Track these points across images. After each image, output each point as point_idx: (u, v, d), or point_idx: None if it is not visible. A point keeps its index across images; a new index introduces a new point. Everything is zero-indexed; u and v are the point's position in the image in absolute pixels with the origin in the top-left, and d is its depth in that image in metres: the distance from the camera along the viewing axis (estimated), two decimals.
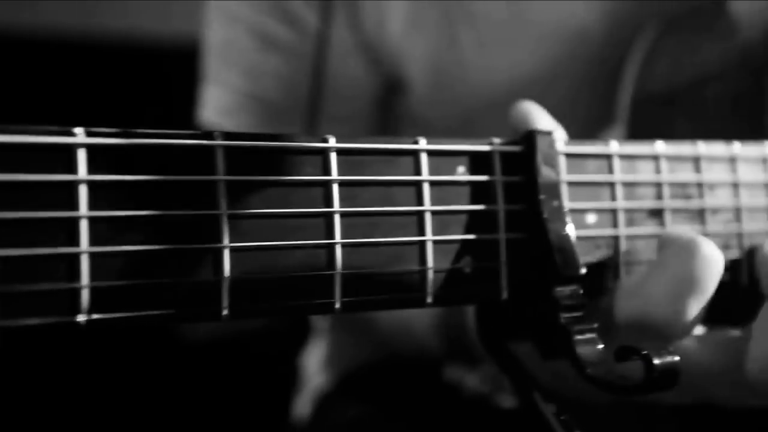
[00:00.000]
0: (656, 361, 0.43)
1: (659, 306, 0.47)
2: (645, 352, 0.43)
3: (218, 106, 0.85)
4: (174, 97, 1.01)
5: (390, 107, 0.84)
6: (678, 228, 0.52)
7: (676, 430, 0.72)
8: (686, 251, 0.49)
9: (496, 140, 0.47)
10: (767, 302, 0.51)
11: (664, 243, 0.51)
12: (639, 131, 0.71)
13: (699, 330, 0.54)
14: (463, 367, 0.66)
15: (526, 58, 0.79)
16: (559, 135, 0.51)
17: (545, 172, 0.47)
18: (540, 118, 0.51)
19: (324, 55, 0.79)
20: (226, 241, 0.39)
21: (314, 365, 1.05)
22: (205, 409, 1.52)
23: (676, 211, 0.54)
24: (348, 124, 0.84)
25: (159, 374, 1.54)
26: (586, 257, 0.50)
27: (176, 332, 1.53)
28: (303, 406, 1.02)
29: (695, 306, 0.48)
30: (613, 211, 0.52)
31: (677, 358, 0.43)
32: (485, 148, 0.47)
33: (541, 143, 0.48)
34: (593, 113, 0.78)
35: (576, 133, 0.79)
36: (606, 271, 0.51)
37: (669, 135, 0.58)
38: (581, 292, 0.47)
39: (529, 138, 0.48)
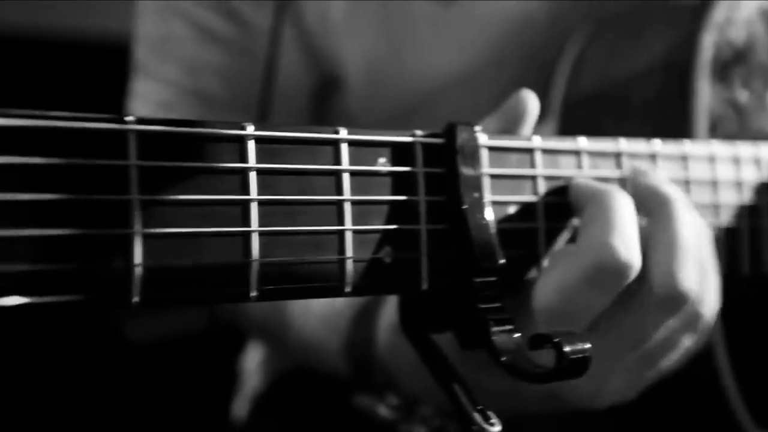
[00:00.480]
0: (567, 349, 0.43)
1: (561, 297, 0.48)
2: (556, 339, 0.43)
3: (156, 100, 0.83)
4: (104, 92, 0.99)
5: (327, 105, 0.84)
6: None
7: (613, 426, 0.73)
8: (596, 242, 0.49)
9: (419, 132, 0.47)
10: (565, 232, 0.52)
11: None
12: (569, 129, 0.72)
13: None
14: (372, 396, 0.66)
15: (465, 52, 0.79)
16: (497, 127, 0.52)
17: (466, 164, 0.48)
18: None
19: (270, 51, 0.78)
20: (137, 227, 0.38)
21: (252, 367, 1.04)
22: (148, 409, 1.50)
23: None
24: (290, 122, 0.83)
25: (101, 374, 1.52)
26: (507, 249, 0.51)
27: (121, 332, 1.50)
28: (241, 407, 1.01)
29: (598, 296, 0.49)
30: (535, 205, 0.52)
31: (588, 345, 0.44)
32: (407, 139, 0.47)
33: (462, 136, 0.48)
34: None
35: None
36: (527, 262, 0.52)
37: (598, 134, 0.59)
38: (499, 282, 0.47)
39: (450, 131, 0.48)
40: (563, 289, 0.48)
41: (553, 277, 0.49)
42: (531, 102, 0.53)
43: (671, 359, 0.55)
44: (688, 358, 0.56)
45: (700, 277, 0.52)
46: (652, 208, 0.52)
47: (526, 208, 0.51)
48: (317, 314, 0.69)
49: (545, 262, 0.51)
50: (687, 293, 0.50)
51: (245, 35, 0.80)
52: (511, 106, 0.53)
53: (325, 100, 0.83)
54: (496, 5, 0.78)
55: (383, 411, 0.65)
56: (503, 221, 0.50)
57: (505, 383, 0.48)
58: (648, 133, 0.60)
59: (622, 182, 0.55)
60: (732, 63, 0.66)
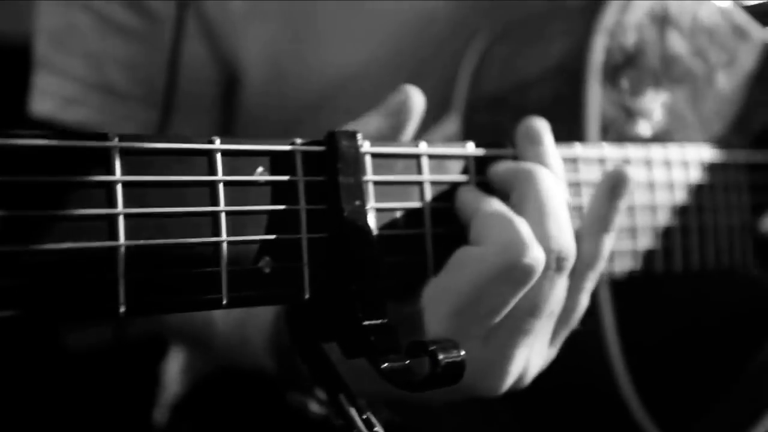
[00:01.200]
0: (441, 357, 0.43)
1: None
2: (431, 347, 0.43)
3: (61, 95, 0.80)
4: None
5: (231, 100, 0.82)
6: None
7: (510, 419, 0.73)
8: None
9: (299, 140, 0.47)
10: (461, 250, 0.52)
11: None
12: (473, 130, 0.72)
13: None
14: (302, 392, 0.65)
15: (367, 46, 0.78)
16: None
17: (348, 172, 0.47)
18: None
19: (174, 43, 0.76)
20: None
21: (172, 373, 1.02)
22: (73, 418, 1.46)
23: None
24: (197, 116, 0.81)
25: (32, 382, 1.48)
26: (394, 255, 0.50)
27: (60, 340, 1.47)
28: (161, 414, 0.99)
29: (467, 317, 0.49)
30: (421, 211, 0.52)
31: (463, 353, 0.44)
32: (287, 148, 0.46)
33: (343, 144, 0.47)
34: (436, 99, 0.78)
35: (432, 115, 0.79)
36: (415, 268, 0.51)
37: (499, 136, 0.59)
38: (382, 289, 0.47)
39: (331, 139, 0.47)
40: (469, 291, 0.48)
41: (461, 278, 0.49)
42: (415, 98, 0.53)
43: (575, 318, 0.56)
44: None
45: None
46: (517, 182, 0.53)
47: (412, 214, 0.51)
48: (239, 311, 0.68)
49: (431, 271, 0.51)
50: (567, 252, 0.51)
51: (149, 26, 0.78)
52: (395, 102, 0.53)
53: (232, 94, 0.81)
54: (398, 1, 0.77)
55: (314, 407, 0.64)
56: (389, 228, 0.50)
57: (385, 389, 0.48)
58: None
59: None
60: (623, 67, 0.67)
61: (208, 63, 0.80)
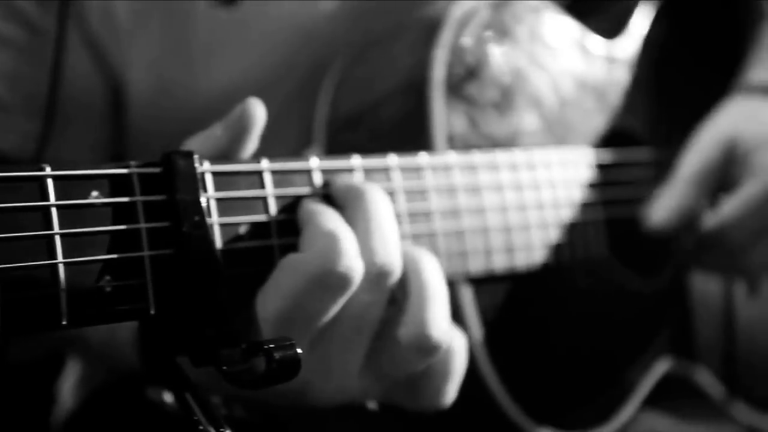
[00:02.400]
0: (275, 355, 0.45)
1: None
2: (267, 346, 0.45)
3: None
4: None
5: (117, 112, 0.81)
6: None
7: (393, 420, 0.76)
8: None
9: (134, 163, 0.48)
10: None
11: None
12: (334, 150, 0.74)
13: None
14: (161, 388, 0.66)
15: (251, 59, 0.79)
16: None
17: (186, 190, 0.48)
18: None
19: (55, 54, 0.75)
20: None
21: (67, 389, 1.01)
22: None
23: None
24: (83, 129, 0.80)
25: None
26: (241, 266, 0.52)
27: None
28: (56, 430, 0.98)
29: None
30: (267, 224, 0.54)
31: (299, 350, 0.46)
32: (123, 171, 0.47)
33: (180, 164, 0.49)
34: (305, 124, 0.80)
35: (302, 133, 0.80)
36: (263, 278, 0.53)
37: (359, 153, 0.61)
38: (225, 300, 0.48)
39: (167, 160, 0.48)
40: (290, 295, 0.50)
41: (281, 284, 0.50)
42: (255, 110, 0.54)
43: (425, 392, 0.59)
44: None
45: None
46: (406, 263, 0.55)
47: (260, 227, 0.53)
48: None
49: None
50: (440, 341, 0.53)
51: (31, 38, 0.77)
52: (235, 113, 0.54)
53: (118, 106, 0.80)
54: (280, 14, 0.78)
55: (171, 400, 0.65)
56: (234, 242, 0.51)
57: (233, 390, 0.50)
58: (398, 151, 0.63)
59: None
60: (465, 79, 0.70)
61: (92, 75, 0.79)
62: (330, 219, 0.52)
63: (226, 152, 0.54)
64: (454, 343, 0.57)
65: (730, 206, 0.79)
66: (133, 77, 0.78)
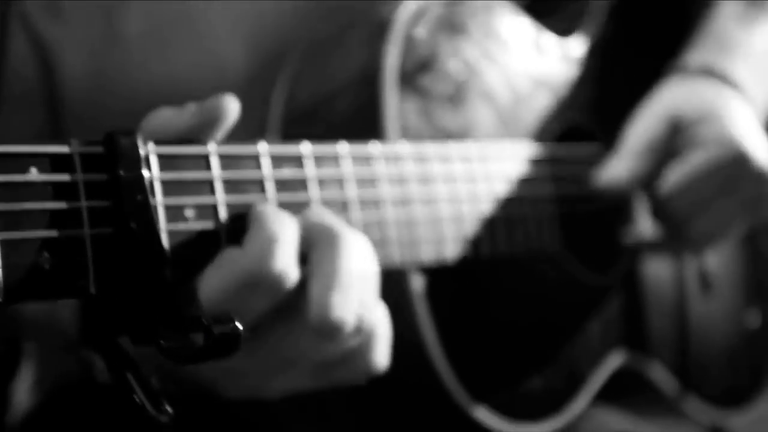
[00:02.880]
0: (216, 330, 0.44)
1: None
2: (206, 321, 0.45)
3: None
4: None
5: (53, 97, 0.80)
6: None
7: (354, 421, 0.75)
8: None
9: (75, 141, 0.47)
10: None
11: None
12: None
13: None
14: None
15: (198, 53, 0.78)
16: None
17: (128, 169, 0.48)
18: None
19: (1, 42, 0.74)
20: None
21: (23, 389, 1.00)
22: None
23: (282, 204, 0.57)
24: (25, 123, 0.78)
25: None
26: (185, 249, 0.51)
27: None
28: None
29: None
30: (213, 207, 0.53)
31: (239, 326, 0.45)
32: (64, 149, 0.47)
33: (123, 144, 0.48)
34: (256, 120, 0.79)
35: (255, 129, 0.80)
36: (207, 261, 0.52)
37: None
38: (168, 280, 0.48)
39: (109, 139, 0.48)
40: (225, 288, 0.50)
41: (216, 276, 0.50)
42: (230, 104, 0.53)
43: (344, 375, 0.58)
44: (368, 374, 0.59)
45: (362, 310, 0.54)
46: (318, 240, 0.54)
47: (203, 210, 0.52)
48: None
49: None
50: (341, 324, 0.52)
51: None
52: (213, 105, 0.53)
53: (54, 91, 0.78)
54: (225, 8, 0.77)
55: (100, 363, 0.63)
56: (178, 223, 0.51)
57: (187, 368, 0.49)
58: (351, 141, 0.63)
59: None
60: (418, 71, 0.71)
61: (30, 61, 0.78)
62: (278, 222, 0.52)
63: (188, 137, 0.54)
64: (373, 317, 0.56)
65: (674, 174, 0.81)
66: (68, 60, 0.77)
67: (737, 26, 0.94)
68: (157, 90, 0.77)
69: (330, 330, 0.51)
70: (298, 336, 0.53)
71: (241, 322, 0.48)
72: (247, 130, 0.79)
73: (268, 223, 0.51)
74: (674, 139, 0.83)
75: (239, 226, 0.53)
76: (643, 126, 0.83)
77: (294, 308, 0.52)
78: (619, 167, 0.82)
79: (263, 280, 0.50)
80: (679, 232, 0.83)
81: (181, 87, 0.78)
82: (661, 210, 0.82)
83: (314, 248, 0.53)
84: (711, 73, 0.87)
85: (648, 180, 0.83)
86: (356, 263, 0.53)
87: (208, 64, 0.79)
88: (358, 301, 0.53)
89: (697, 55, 0.89)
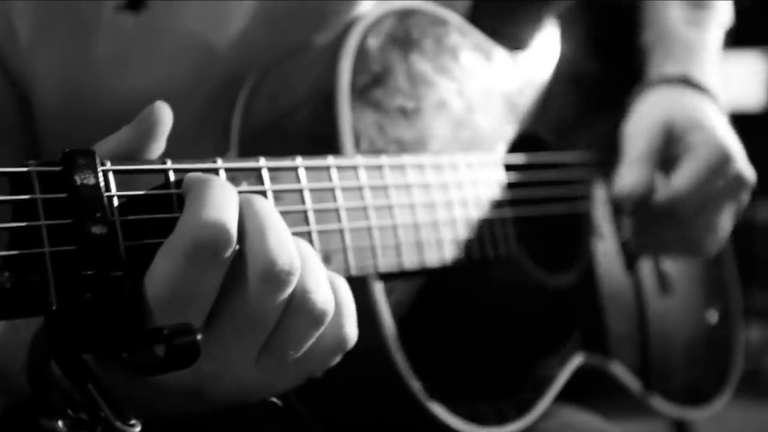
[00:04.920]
0: (175, 340, 0.45)
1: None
2: (166, 332, 0.46)
3: None
4: None
5: (30, 123, 0.81)
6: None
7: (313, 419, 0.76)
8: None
9: (32, 162, 0.48)
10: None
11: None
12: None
13: None
14: (51, 417, 0.65)
15: (161, 72, 0.79)
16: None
17: (86, 187, 0.49)
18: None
19: None
20: None
21: None
22: None
23: None
24: (7, 156, 0.79)
25: None
26: (146, 263, 0.52)
27: None
28: None
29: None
30: (172, 221, 0.54)
31: (198, 336, 0.46)
32: (22, 169, 0.48)
33: (80, 162, 0.49)
34: (222, 133, 0.80)
35: (220, 145, 0.81)
36: None
37: None
38: (124, 291, 0.49)
39: (67, 158, 0.49)
40: (170, 278, 0.49)
41: (157, 268, 0.49)
42: (163, 113, 0.54)
43: (310, 359, 0.55)
44: (333, 354, 0.57)
45: (300, 261, 0.52)
46: (243, 202, 0.53)
47: (162, 225, 0.53)
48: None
49: None
50: (283, 265, 0.50)
51: None
52: (143, 116, 0.54)
53: (30, 117, 0.80)
54: (187, 27, 0.78)
55: (63, 428, 0.64)
56: (138, 239, 0.52)
57: (147, 386, 0.50)
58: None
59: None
60: (371, 86, 0.73)
61: (2, 89, 0.79)
62: (205, 186, 0.51)
63: (133, 153, 0.55)
64: (336, 284, 0.56)
65: (679, 181, 0.88)
66: (41, 88, 0.78)
67: (693, 31, 1.00)
68: (128, 109, 0.78)
69: (275, 274, 0.50)
70: (247, 296, 0.51)
71: (200, 308, 0.48)
72: (213, 148, 0.81)
73: (197, 192, 0.51)
74: (669, 147, 0.91)
75: None
76: (644, 137, 0.91)
77: (240, 272, 0.51)
78: (632, 175, 0.89)
79: (203, 248, 0.48)
80: (681, 230, 0.90)
81: (155, 99, 0.79)
82: (666, 212, 0.89)
83: (243, 210, 0.52)
84: (688, 82, 0.95)
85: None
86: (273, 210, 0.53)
87: (173, 82, 0.80)
88: (293, 244, 0.52)
89: (672, 65, 0.96)
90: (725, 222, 0.92)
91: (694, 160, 0.88)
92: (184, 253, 0.49)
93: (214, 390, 0.53)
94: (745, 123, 1.03)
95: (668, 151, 0.90)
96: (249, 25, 0.80)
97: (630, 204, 0.90)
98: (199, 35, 0.79)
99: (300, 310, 0.52)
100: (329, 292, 0.53)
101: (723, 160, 0.88)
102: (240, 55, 0.81)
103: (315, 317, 0.53)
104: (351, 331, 0.56)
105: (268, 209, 0.52)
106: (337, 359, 0.57)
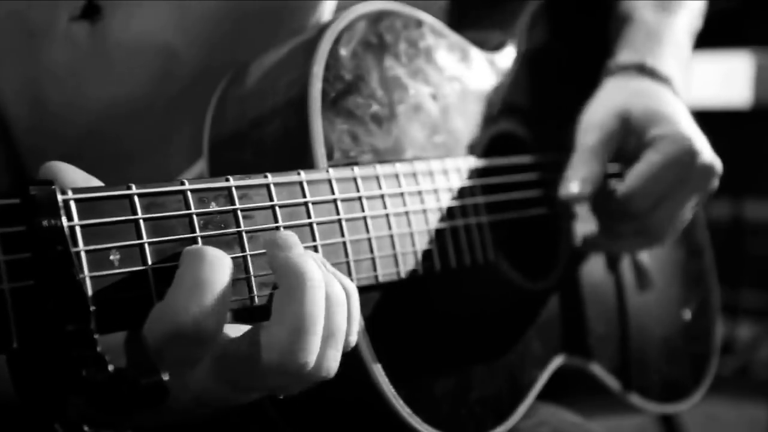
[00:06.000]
0: (142, 381, 0.44)
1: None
2: (131, 373, 0.44)
3: None
4: None
5: (4, 138, 0.79)
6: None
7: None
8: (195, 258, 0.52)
9: None
10: (277, 293, 0.55)
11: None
12: (217, 170, 0.73)
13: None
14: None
15: (123, 78, 0.77)
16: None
17: (46, 219, 0.47)
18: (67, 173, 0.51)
19: None
20: None
21: None
22: None
23: (210, 238, 0.56)
24: None
25: None
26: (121, 293, 0.51)
27: None
28: None
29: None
30: (140, 248, 0.53)
31: (165, 377, 0.45)
32: None
33: (39, 194, 0.47)
34: (194, 137, 0.79)
35: (193, 150, 0.79)
36: (143, 302, 0.52)
37: (242, 172, 0.60)
38: (91, 328, 0.47)
39: (23, 191, 0.47)
40: (158, 347, 0.50)
41: (148, 332, 0.50)
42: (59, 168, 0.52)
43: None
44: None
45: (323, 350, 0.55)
46: (283, 281, 0.54)
47: (130, 253, 0.52)
48: None
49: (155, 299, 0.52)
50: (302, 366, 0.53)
51: None
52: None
53: (6, 129, 0.79)
54: (144, 33, 0.77)
55: None
56: (105, 268, 0.50)
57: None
58: (282, 167, 0.62)
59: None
60: (344, 94, 0.71)
61: None
62: (202, 268, 0.51)
63: None
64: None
65: (636, 175, 0.85)
66: (9, 101, 0.77)
67: (659, 18, 0.97)
68: (99, 114, 0.77)
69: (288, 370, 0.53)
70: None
71: (182, 372, 0.48)
72: (186, 153, 0.79)
73: (190, 269, 0.51)
74: (626, 137, 0.87)
75: (168, 267, 0.53)
76: (599, 127, 0.88)
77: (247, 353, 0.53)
78: (582, 173, 0.86)
79: (187, 332, 0.49)
80: (639, 224, 0.87)
81: (120, 110, 0.77)
82: (622, 207, 0.86)
83: (279, 287, 0.54)
84: (643, 70, 0.91)
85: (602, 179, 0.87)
86: (317, 306, 0.54)
87: (136, 90, 0.78)
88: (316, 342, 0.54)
89: (630, 53, 0.93)
90: (687, 213, 0.90)
91: (655, 153, 0.85)
92: (167, 331, 0.50)
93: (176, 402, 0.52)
94: (732, 121, 1.02)
95: (626, 142, 0.87)
96: (211, 25, 0.78)
97: (573, 208, 0.88)
98: (159, 38, 0.77)
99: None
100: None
101: (687, 155, 0.85)
102: (204, 54, 0.79)
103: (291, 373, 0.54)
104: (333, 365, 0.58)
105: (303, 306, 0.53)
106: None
